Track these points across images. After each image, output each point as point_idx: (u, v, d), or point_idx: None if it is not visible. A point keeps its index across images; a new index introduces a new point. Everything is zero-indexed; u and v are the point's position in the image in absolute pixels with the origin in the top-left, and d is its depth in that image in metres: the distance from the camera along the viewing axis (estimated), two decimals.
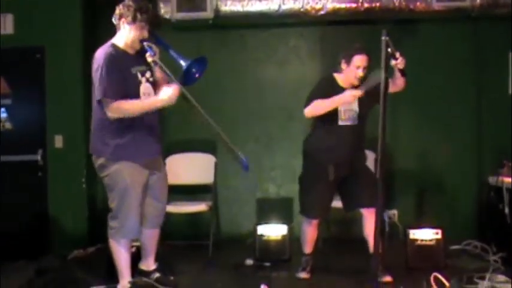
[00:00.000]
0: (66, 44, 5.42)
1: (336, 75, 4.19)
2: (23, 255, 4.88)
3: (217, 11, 5.23)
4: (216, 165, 5.45)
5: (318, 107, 4.06)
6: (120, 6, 3.62)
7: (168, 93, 3.55)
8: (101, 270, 4.39)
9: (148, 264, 4.05)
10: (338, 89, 4.12)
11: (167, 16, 5.24)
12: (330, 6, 5.20)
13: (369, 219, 4.12)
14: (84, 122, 5.48)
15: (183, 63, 3.59)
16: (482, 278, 3.81)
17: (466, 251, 4.95)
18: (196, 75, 3.66)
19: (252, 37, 5.80)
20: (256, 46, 5.80)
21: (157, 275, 4.03)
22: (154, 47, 3.69)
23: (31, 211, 5.39)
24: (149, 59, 3.61)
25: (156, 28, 3.76)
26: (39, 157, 5.40)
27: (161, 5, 5.22)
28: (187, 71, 3.60)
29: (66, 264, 4.59)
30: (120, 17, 3.60)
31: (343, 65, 4.12)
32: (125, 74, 3.59)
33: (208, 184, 5.42)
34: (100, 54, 3.57)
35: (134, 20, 3.55)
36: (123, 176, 3.64)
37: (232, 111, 5.69)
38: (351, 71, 4.07)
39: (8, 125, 5.43)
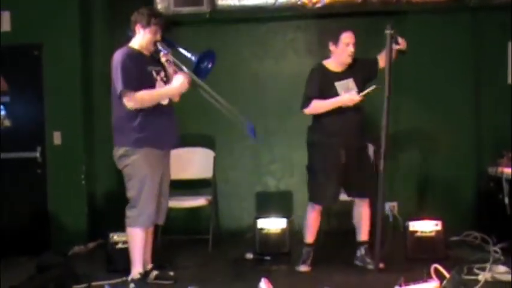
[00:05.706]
0: (64, 41, 5.41)
1: (326, 62, 4.22)
2: (23, 252, 4.90)
3: (213, 5, 5.20)
4: (215, 159, 5.45)
5: (318, 108, 4.12)
6: (135, 13, 3.94)
7: (180, 80, 3.87)
8: (101, 266, 4.42)
9: (146, 263, 4.04)
10: (330, 76, 4.15)
11: (164, 10, 5.22)
12: None
13: (362, 208, 4.23)
14: (83, 118, 5.50)
15: (193, 58, 3.88)
16: (483, 269, 3.81)
17: (466, 242, 4.94)
18: (209, 66, 3.94)
19: (249, 31, 5.77)
20: (253, 40, 5.78)
21: (155, 272, 4.04)
22: (166, 47, 3.93)
23: (31, 208, 5.39)
24: (163, 58, 3.92)
25: (166, 31, 4.05)
26: (38, 154, 5.40)
27: None
28: (198, 64, 3.88)
29: (67, 260, 4.58)
30: (136, 22, 3.90)
31: (332, 47, 4.15)
32: (141, 71, 3.84)
33: (207, 179, 5.42)
34: (118, 54, 3.83)
35: (148, 23, 3.86)
36: (143, 165, 3.82)
37: (230, 105, 5.65)
38: (342, 50, 4.10)
39: (6, 122, 5.43)
